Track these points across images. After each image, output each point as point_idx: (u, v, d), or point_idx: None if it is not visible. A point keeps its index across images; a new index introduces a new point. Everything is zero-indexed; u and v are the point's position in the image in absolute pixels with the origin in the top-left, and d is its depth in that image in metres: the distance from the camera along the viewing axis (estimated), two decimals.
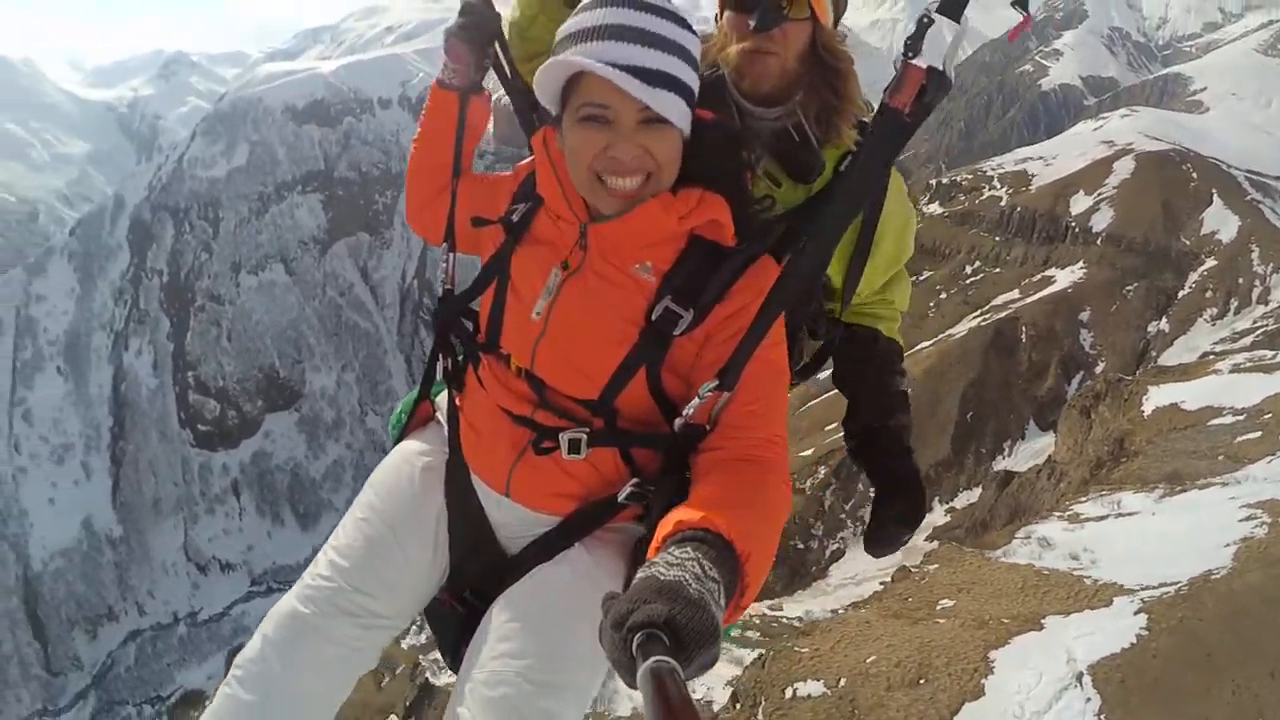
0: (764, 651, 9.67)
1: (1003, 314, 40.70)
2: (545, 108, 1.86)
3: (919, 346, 40.77)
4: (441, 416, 2.31)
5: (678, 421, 1.80)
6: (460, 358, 2.21)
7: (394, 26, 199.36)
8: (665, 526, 1.46)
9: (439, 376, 2.30)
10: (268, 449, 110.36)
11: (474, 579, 2.09)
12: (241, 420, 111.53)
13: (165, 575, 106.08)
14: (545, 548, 1.98)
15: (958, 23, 1.84)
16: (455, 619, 2.13)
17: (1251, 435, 14.13)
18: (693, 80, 1.77)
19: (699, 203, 1.80)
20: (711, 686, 15.03)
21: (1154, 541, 9.82)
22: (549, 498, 1.98)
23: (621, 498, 1.87)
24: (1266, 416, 14.93)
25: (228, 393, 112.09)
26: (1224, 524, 9.41)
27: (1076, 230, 42.39)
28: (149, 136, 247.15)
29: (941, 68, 1.86)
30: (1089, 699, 6.70)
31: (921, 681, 7.63)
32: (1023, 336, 38.90)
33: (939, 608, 9.18)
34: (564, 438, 1.86)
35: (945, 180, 55.91)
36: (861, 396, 2.39)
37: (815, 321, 2.31)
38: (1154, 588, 8.15)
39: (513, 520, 2.05)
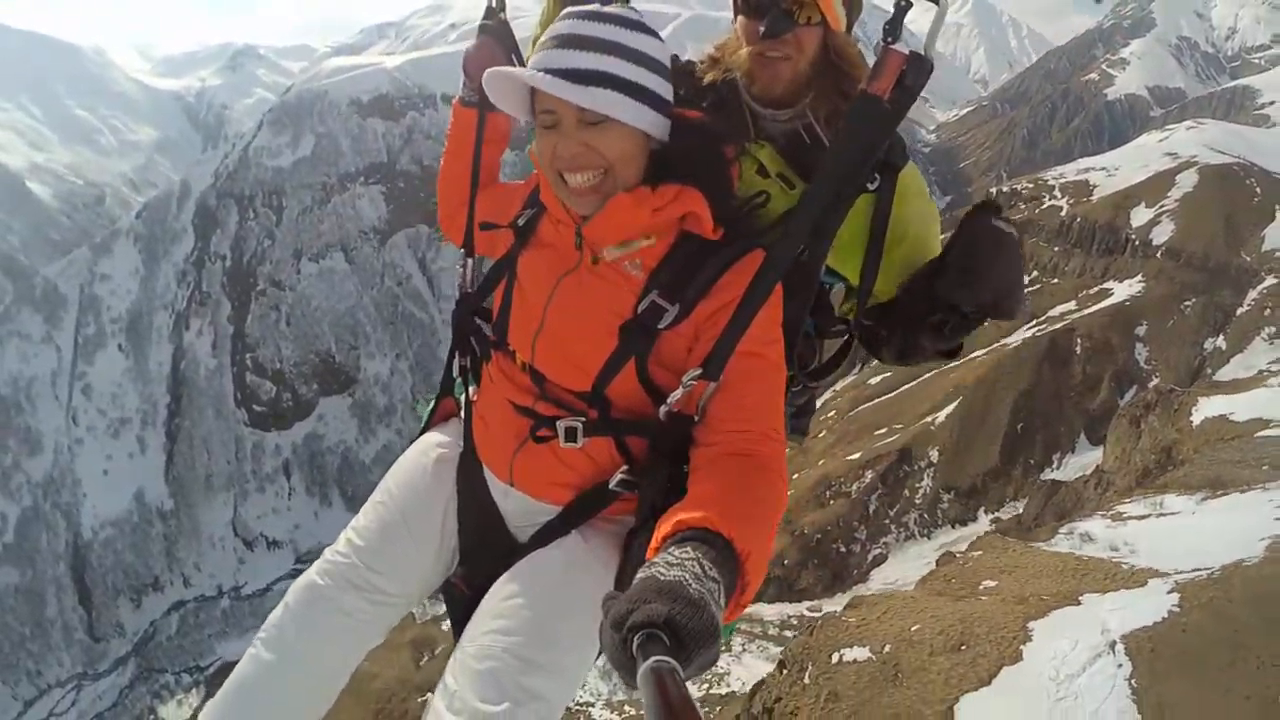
0: (813, 621, 10.20)
1: (1058, 325, 40.38)
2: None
3: (972, 355, 40.65)
4: (462, 412, 2.46)
5: (663, 409, 1.87)
6: (476, 355, 2.37)
7: (458, 24, 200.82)
8: (665, 526, 1.49)
9: (455, 373, 2.45)
10: (320, 431, 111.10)
11: (486, 566, 2.16)
12: (296, 402, 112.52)
13: (212, 549, 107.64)
14: (545, 535, 2.08)
15: (936, 3, 1.87)
16: (467, 602, 2.18)
17: None
18: (649, 80, 1.85)
19: (675, 196, 1.86)
20: (746, 683, 15.48)
21: (1191, 535, 10.20)
22: (548, 486, 2.08)
23: (612, 484, 1.97)
24: None
25: (284, 375, 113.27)
26: (1261, 522, 9.78)
27: (1136, 243, 41.78)
28: (215, 126, 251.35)
29: (922, 52, 1.90)
30: (1120, 665, 7.17)
31: (963, 648, 8.13)
32: (1077, 348, 38.54)
33: (981, 587, 9.67)
34: (561, 425, 1.97)
35: (1005, 189, 55.44)
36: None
37: (825, 320, 2.34)
38: (1187, 572, 8.57)
39: (519, 509, 2.17)
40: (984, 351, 40.73)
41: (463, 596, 2.23)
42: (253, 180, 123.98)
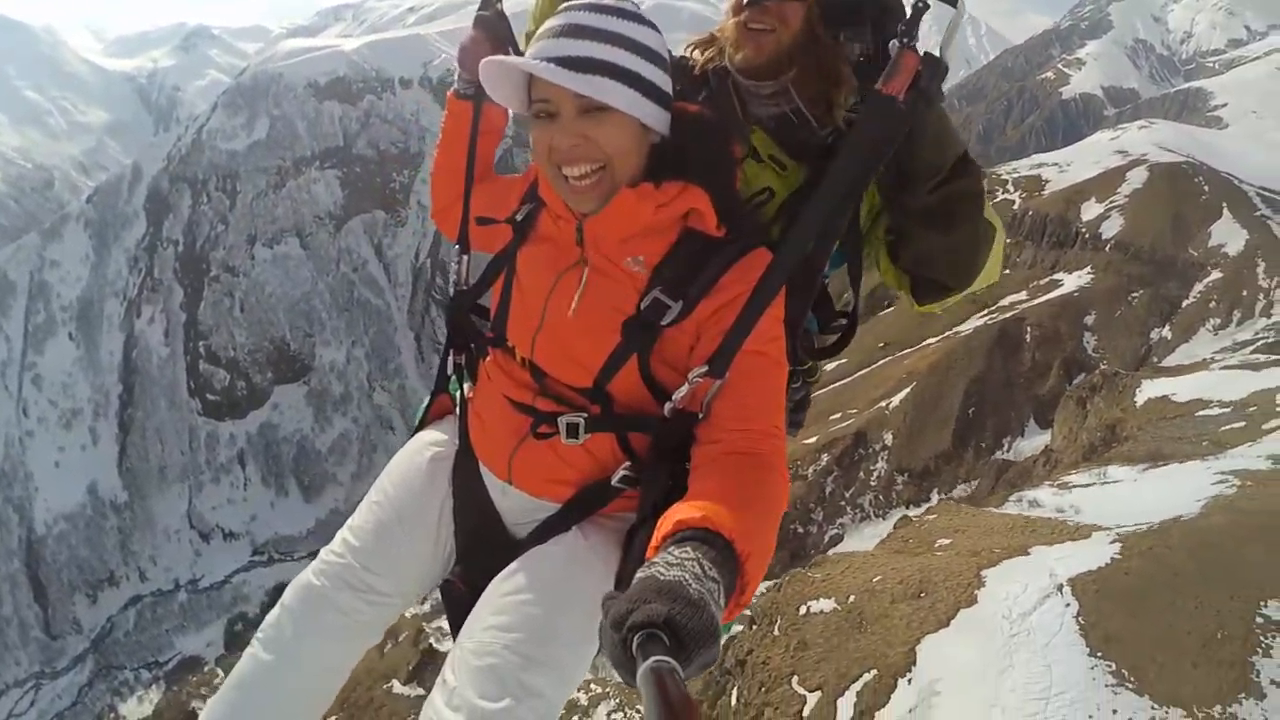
0: (779, 579, 10.75)
1: (1009, 314, 41.38)
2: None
3: (926, 342, 41.50)
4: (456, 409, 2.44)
5: (667, 406, 1.86)
6: (472, 352, 2.35)
7: (416, 7, 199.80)
8: (665, 525, 1.48)
9: (450, 370, 2.43)
10: (275, 420, 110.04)
11: (483, 564, 2.15)
12: (250, 391, 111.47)
13: (168, 542, 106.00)
14: (545, 533, 2.06)
15: (954, 7, 1.85)
16: (465, 601, 2.16)
17: (1236, 425, 15.16)
18: (648, 70, 1.83)
19: (679, 193, 1.86)
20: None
21: (1132, 499, 10.90)
22: (548, 484, 2.06)
23: (614, 481, 1.96)
24: (1251, 409, 15.95)
25: (238, 363, 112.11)
26: (1199, 485, 10.49)
27: (1086, 236, 42.91)
28: (167, 108, 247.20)
29: (938, 53, 1.87)
30: (1068, 604, 7.80)
31: (922, 595, 8.74)
32: (1027, 337, 39.38)
33: (937, 545, 10.30)
34: (562, 422, 1.95)
35: None
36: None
37: (826, 314, 2.35)
38: (1128, 526, 9.22)
39: (517, 507, 2.15)
40: (937, 339, 41.60)
41: (461, 595, 2.22)
42: (206, 164, 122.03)
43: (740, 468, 1.66)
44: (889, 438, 37.06)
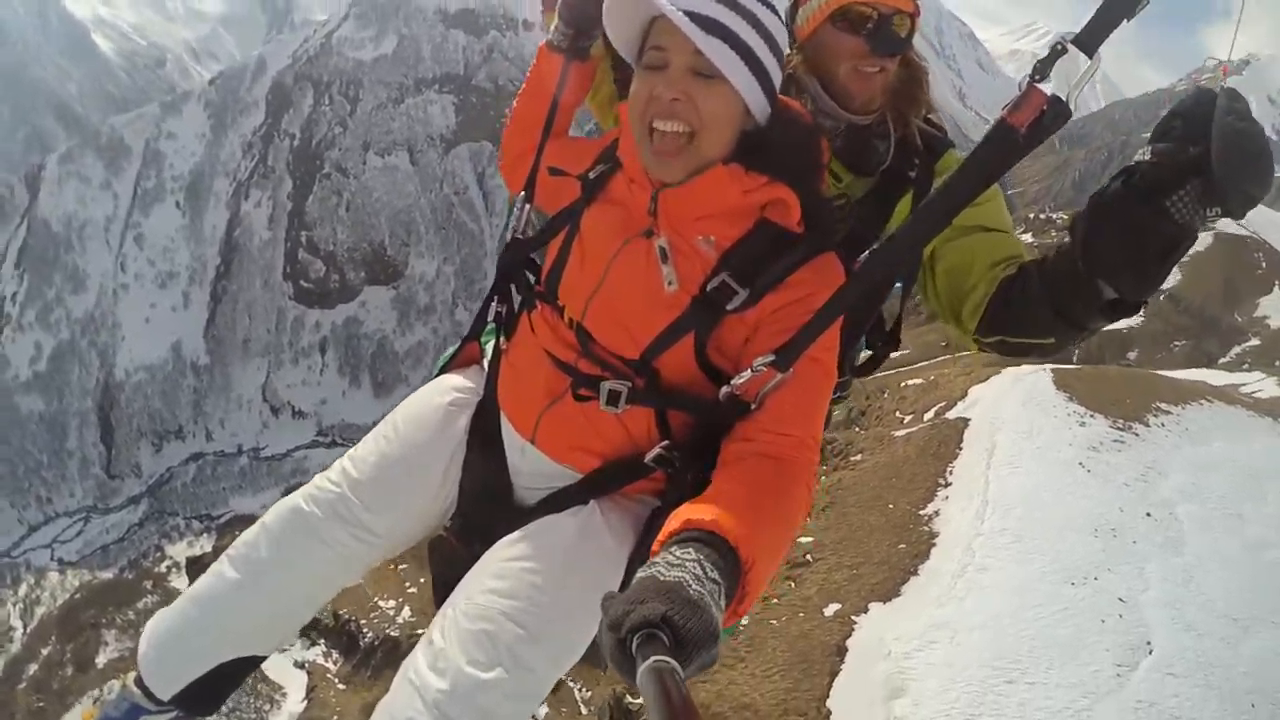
0: None
1: None
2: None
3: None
4: (486, 361, 2.30)
5: (724, 390, 1.74)
6: (517, 303, 2.21)
7: None
8: (675, 520, 1.41)
9: (490, 319, 2.29)
10: (360, 317, 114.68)
11: (482, 523, 2.05)
12: (342, 285, 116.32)
13: (239, 409, 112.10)
14: (560, 502, 1.94)
15: (1090, 58, 1.66)
16: (457, 560, 2.04)
17: None
18: (765, 56, 1.74)
19: (768, 183, 1.77)
20: None
21: None
22: (572, 450, 1.94)
23: (649, 458, 1.85)
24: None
25: (335, 258, 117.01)
26: None
27: None
28: (283, 10, 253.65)
29: (1065, 97, 1.69)
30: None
31: None
32: (1074, 361, 41.81)
33: None
34: (604, 387, 1.83)
35: (1044, 215, 59.07)
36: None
37: (874, 332, 2.35)
38: None
39: (533, 469, 2.02)
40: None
41: (451, 551, 2.13)
42: (332, 68, 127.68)
43: (766, 472, 1.59)
44: None
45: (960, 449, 9.08)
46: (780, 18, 1.80)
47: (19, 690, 40.16)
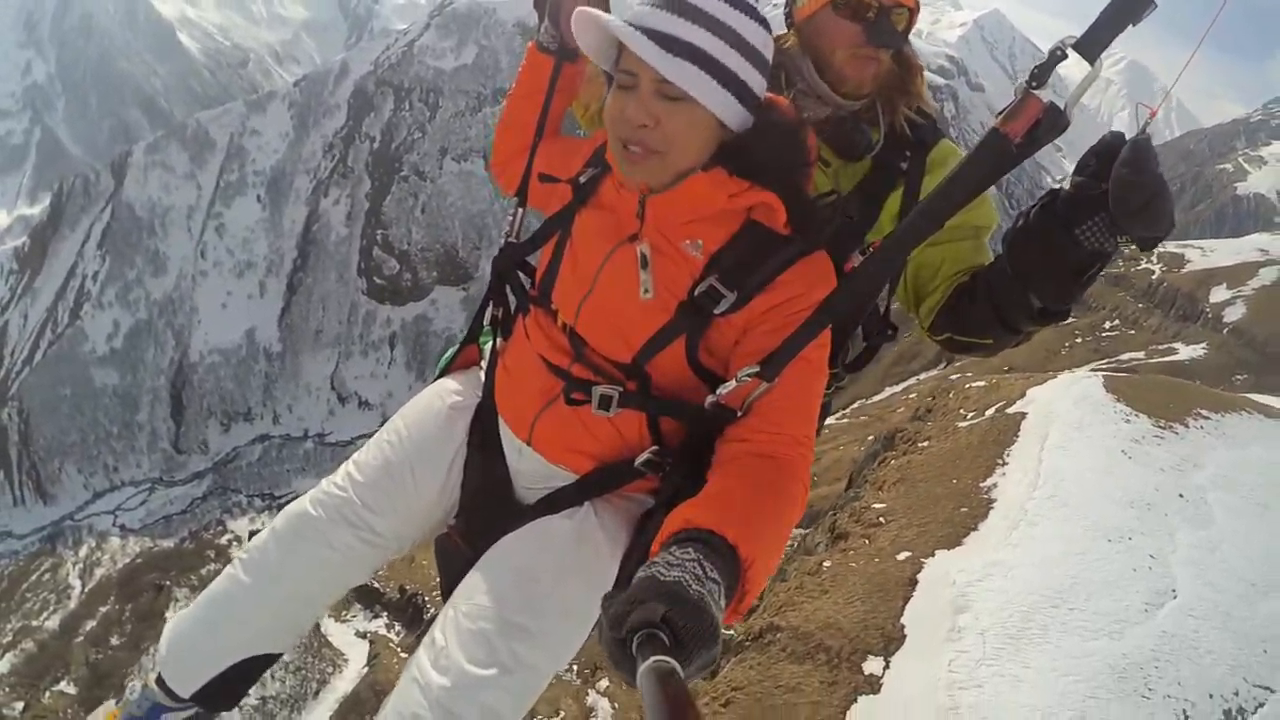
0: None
1: (1124, 368, 43.45)
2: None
3: (1047, 372, 44.32)
4: (484, 363, 2.33)
5: (709, 400, 1.79)
6: (511, 306, 2.26)
7: None
8: (673, 521, 1.45)
9: (486, 322, 2.34)
10: (430, 315, 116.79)
11: (484, 522, 2.10)
12: (414, 284, 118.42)
13: (307, 396, 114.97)
14: (556, 502, 2.00)
15: (1091, 65, 1.68)
16: (460, 558, 2.11)
17: None
18: (741, 68, 1.73)
19: (752, 188, 1.78)
20: None
21: None
22: (568, 452, 1.99)
23: (638, 463, 1.88)
24: None
25: (409, 257, 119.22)
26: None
27: (1209, 316, 44.45)
28: (364, 18, 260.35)
29: (1063, 106, 1.71)
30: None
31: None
32: None
33: None
34: (597, 391, 1.86)
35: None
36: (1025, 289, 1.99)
37: (869, 324, 2.34)
38: None
39: (530, 470, 2.07)
40: (1057, 373, 44.03)
41: (455, 550, 2.19)
42: (413, 75, 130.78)
43: (762, 471, 1.61)
44: None
45: (1017, 437, 10.04)
46: (759, 20, 1.79)
47: (76, 644, 42.36)
